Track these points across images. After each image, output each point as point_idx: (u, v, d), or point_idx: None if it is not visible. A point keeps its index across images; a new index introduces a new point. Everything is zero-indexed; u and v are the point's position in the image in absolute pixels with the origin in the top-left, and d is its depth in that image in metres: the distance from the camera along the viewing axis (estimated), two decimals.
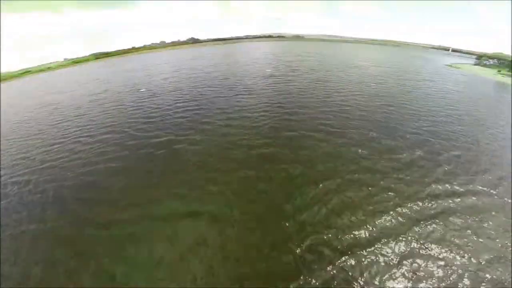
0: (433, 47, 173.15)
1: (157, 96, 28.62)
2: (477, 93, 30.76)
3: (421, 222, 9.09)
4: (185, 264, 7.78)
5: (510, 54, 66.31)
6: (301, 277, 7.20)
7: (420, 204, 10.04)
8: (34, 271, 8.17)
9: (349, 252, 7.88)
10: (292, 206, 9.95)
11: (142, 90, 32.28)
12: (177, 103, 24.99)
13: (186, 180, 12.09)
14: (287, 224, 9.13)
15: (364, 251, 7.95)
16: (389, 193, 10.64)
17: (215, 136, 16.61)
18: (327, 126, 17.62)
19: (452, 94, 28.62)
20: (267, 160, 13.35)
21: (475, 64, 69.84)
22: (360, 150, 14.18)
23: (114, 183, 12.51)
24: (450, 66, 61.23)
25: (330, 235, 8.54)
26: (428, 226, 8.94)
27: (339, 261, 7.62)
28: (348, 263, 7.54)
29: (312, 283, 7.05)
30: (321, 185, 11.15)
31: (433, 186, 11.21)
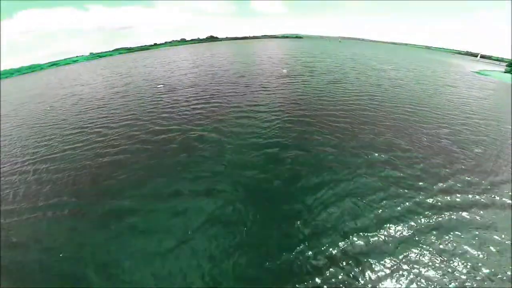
0: (460, 53, 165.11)
1: (176, 91, 29.58)
2: (505, 101, 29.02)
3: (426, 216, 9.16)
4: (199, 235, 8.47)
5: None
6: (305, 254, 7.59)
7: (427, 199, 9.99)
8: (57, 243, 8.84)
9: (352, 235, 8.25)
10: (299, 191, 10.38)
11: (159, 86, 33.04)
12: (194, 97, 25.75)
13: (199, 164, 12.57)
14: (293, 206, 9.55)
15: (366, 236, 8.20)
16: (395, 187, 10.64)
17: (230, 127, 17.09)
18: (342, 123, 17.55)
19: (477, 101, 27.20)
20: (280, 150, 13.66)
21: (505, 72, 65.67)
22: (372, 147, 13.97)
23: (131, 164, 13.25)
24: (478, 72, 57.92)
25: (336, 219, 8.93)
26: (433, 220, 9.00)
27: (341, 243, 8.00)
28: (350, 246, 7.90)
29: (315, 259, 7.38)
30: (329, 175, 11.40)
31: (440, 184, 11.05)
